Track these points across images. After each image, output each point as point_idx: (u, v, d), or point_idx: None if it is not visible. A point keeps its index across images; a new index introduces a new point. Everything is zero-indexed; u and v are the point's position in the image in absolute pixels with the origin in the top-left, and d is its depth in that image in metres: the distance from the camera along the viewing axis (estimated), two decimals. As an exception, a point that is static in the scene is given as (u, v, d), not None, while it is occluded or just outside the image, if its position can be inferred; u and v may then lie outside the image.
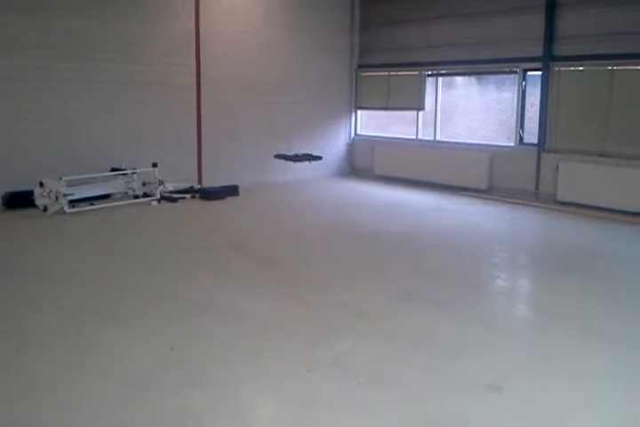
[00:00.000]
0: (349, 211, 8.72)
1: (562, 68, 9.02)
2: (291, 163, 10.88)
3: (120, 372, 3.66)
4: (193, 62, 9.89)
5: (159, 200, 8.85)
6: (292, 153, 10.81)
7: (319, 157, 10.89)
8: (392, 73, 11.51)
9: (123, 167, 8.84)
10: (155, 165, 8.83)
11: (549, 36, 9.03)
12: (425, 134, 11.23)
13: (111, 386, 3.48)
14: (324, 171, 11.62)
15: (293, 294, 5.09)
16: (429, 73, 10.94)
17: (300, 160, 10.58)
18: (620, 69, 8.39)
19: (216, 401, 3.33)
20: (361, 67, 12.07)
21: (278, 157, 10.57)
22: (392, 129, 12.02)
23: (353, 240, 7.04)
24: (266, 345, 4.07)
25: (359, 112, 12.35)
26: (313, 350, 3.99)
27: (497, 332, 4.38)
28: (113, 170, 8.79)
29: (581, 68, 8.84)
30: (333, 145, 12.05)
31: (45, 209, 7.99)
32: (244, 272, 5.72)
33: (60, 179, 7.94)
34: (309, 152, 11.02)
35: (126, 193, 8.88)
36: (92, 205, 8.34)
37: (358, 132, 12.40)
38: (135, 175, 8.82)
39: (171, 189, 9.22)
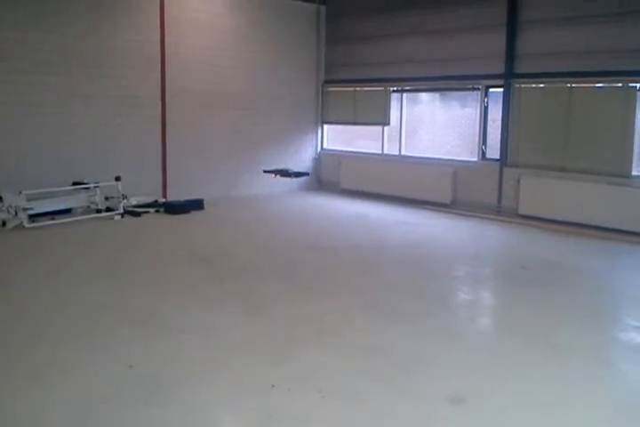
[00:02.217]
0: (315, 225, 8.73)
1: (523, 85, 9.25)
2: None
3: (80, 390, 3.56)
4: (158, 76, 9.84)
5: (122, 214, 8.71)
6: (275, 168, 11.06)
7: (306, 173, 11.12)
8: (358, 88, 11.64)
9: (85, 181, 8.68)
10: (118, 178, 8.70)
11: (511, 54, 9.26)
12: (390, 149, 11.35)
13: (70, 405, 3.38)
14: (290, 185, 11.62)
15: (257, 308, 5.05)
16: (394, 89, 11.09)
17: (289, 176, 10.79)
18: (579, 86, 8.64)
19: (178, 418, 3.27)
20: (327, 82, 12.17)
21: (267, 171, 10.74)
22: (358, 144, 12.12)
23: (317, 254, 7.03)
24: (229, 361, 4.02)
25: (325, 127, 12.42)
26: (277, 364, 3.96)
27: (459, 344, 4.41)
28: (75, 184, 8.63)
29: (542, 85, 9.08)
30: (300, 159, 12.08)
31: (4, 224, 7.79)
32: (206, 287, 5.65)
33: (20, 193, 7.75)
34: (291, 168, 11.32)
35: (88, 207, 8.71)
36: (52, 219, 8.16)
37: (325, 146, 12.47)
38: (98, 189, 8.66)
39: (134, 203, 9.08)
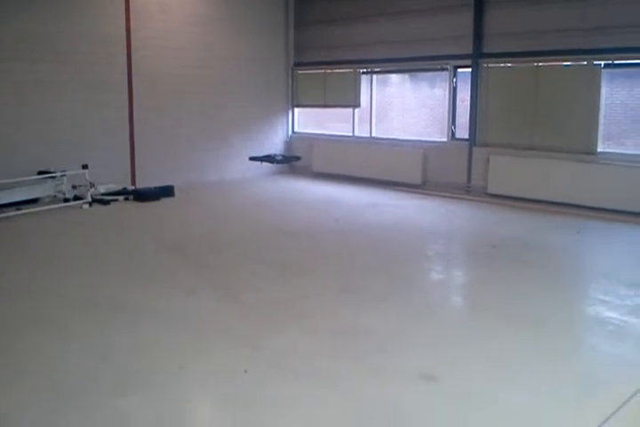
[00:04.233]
0: (286, 209, 8.71)
1: (490, 65, 9.29)
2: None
3: (50, 383, 3.53)
4: (124, 61, 9.63)
5: (90, 203, 8.57)
6: (263, 154, 11.22)
7: (298, 158, 11.11)
8: (328, 71, 11.57)
9: (51, 170, 8.51)
10: (85, 166, 8.54)
11: (478, 34, 9.28)
12: (361, 131, 11.34)
13: (41, 398, 3.34)
14: (262, 169, 11.55)
15: (230, 294, 5.03)
16: (364, 71, 11.05)
17: (278, 162, 10.88)
18: (545, 65, 8.71)
19: (153, 407, 3.26)
20: (297, 65, 12.07)
21: (253, 159, 10.87)
22: (329, 126, 12.08)
23: (289, 238, 7.03)
24: (203, 347, 4.01)
25: (296, 110, 12.35)
26: (250, 349, 3.96)
27: (432, 323, 4.47)
28: (41, 173, 8.46)
29: (509, 65, 9.13)
30: (271, 143, 12.01)
31: (-32, 215, 7.63)
32: (179, 274, 5.61)
33: (-17, 183, 7.60)
34: (277, 153, 11.48)
35: (55, 197, 8.56)
36: (18, 210, 8.00)
37: (296, 129, 12.40)
38: (64, 178, 8.51)
39: (102, 191, 8.95)
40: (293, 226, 7.62)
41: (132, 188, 9.57)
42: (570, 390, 3.46)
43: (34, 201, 8.38)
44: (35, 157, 8.60)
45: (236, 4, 11.02)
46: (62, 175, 8.50)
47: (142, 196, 9.08)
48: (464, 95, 9.72)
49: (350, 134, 11.48)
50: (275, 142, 12.09)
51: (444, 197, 9.54)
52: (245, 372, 3.62)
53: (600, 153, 8.33)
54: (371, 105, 11.12)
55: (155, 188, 9.39)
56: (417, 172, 10.14)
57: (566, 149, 8.55)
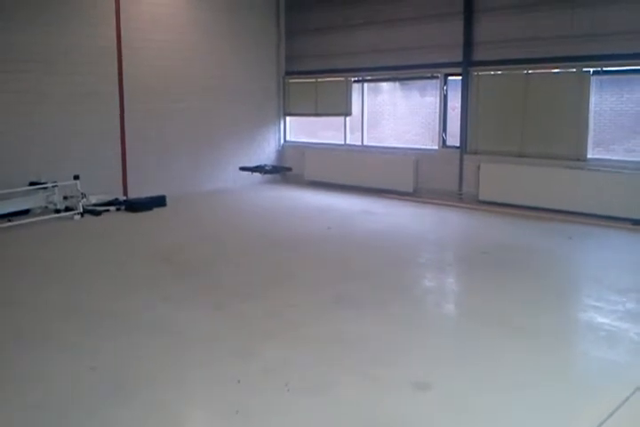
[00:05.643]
0: (279, 218, 8.70)
1: (480, 73, 9.34)
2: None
3: (40, 395, 3.49)
4: (115, 71, 9.63)
5: (82, 214, 8.54)
6: (255, 163, 11.29)
7: (289, 169, 11.14)
8: (319, 79, 11.61)
9: (42, 181, 8.48)
10: (76, 177, 8.52)
11: (468, 42, 9.34)
12: (353, 139, 11.37)
13: (30, 411, 3.31)
14: (254, 178, 11.55)
15: (223, 304, 5.01)
16: (355, 79, 11.10)
17: (268, 172, 10.95)
18: (535, 73, 8.77)
19: (144, 418, 3.23)
20: (288, 73, 12.11)
21: (243, 169, 10.94)
22: (321, 135, 12.11)
23: (281, 247, 7.01)
24: (195, 358, 3.99)
25: (288, 119, 12.37)
26: (243, 359, 3.94)
27: (425, 331, 4.46)
28: (32, 184, 8.42)
29: (499, 72, 9.19)
30: (263, 152, 12.02)
31: (-42, 227, 7.58)
32: (171, 284, 5.58)
33: (-27, 195, 7.55)
34: (268, 164, 11.54)
35: (47, 208, 8.51)
36: (9, 221, 7.95)
37: (288, 138, 12.42)
38: (56, 189, 8.46)
39: (94, 201, 8.92)
40: (285, 235, 7.61)
41: (124, 198, 9.54)
42: (563, 394, 3.45)
43: (25, 212, 8.34)
44: (26, 168, 8.56)
45: (228, 13, 11.06)
46: (54, 186, 8.45)
47: (134, 206, 9.06)
48: (454, 103, 9.77)
49: (342, 143, 11.50)
50: (267, 151, 12.10)
51: (436, 204, 9.56)
52: (239, 382, 3.60)
53: (590, 159, 8.38)
54: (362, 113, 11.15)
55: (146, 198, 9.36)
56: (409, 179, 10.17)
57: (557, 156, 8.59)
